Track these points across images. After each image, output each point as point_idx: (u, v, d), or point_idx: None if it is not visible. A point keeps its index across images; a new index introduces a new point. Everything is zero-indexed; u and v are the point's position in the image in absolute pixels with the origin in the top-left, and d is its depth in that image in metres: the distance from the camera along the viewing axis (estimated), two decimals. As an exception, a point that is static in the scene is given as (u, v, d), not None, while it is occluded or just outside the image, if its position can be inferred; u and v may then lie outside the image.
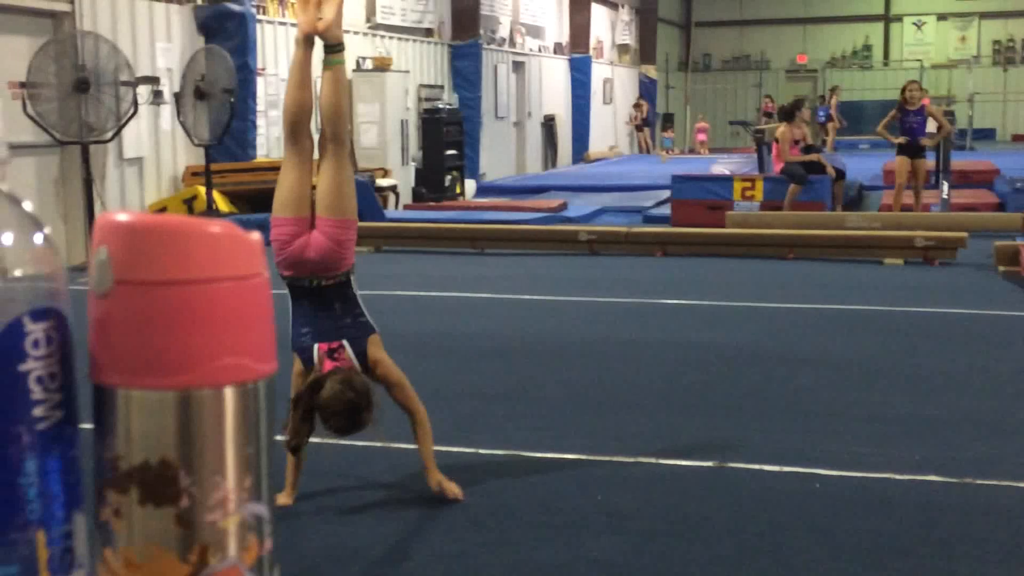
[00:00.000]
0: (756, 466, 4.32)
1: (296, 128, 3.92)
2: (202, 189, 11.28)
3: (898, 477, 4.19)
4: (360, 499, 4.00)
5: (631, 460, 4.42)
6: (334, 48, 3.95)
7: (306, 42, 3.91)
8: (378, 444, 4.56)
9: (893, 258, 9.98)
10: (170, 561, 1.00)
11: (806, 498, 3.99)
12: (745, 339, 6.70)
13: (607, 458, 4.45)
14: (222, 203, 11.72)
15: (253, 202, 12.09)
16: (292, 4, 14.19)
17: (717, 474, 4.27)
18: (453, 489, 3.95)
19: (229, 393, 1.01)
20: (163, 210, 11.52)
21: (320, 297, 3.82)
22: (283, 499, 3.87)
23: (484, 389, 5.56)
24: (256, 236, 1.03)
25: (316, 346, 3.77)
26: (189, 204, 11.43)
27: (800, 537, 3.63)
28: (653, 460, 4.41)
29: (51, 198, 10.40)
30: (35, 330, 0.97)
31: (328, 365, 3.75)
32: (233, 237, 1.01)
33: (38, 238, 1.00)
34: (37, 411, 0.98)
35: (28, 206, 1.01)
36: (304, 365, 3.81)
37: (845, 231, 10.76)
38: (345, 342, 3.79)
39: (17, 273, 0.98)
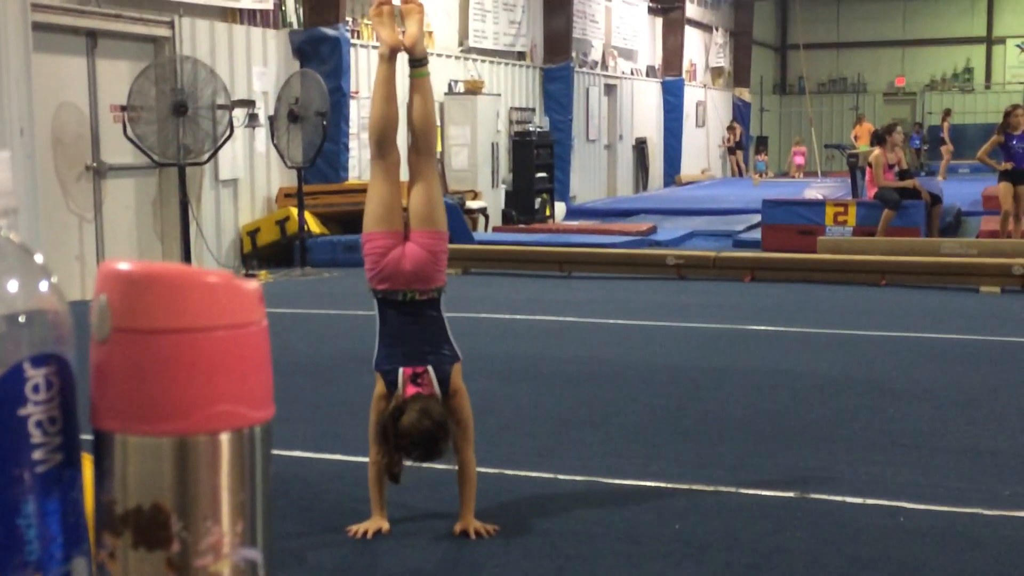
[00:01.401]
0: (839, 498, 4.25)
1: (383, 142, 3.96)
2: (295, 210, 11.47)
3: (987, 512, 4.08)
4: (435, 521, 4.01)
5: (711, 489, 4.37)
6: (419, 62, 3.99)
7: (390, 57, 3.95)
8: (456, 467, 4.58)
9: (990, 286, 9.75)
10: None
11: (890, 532, 3.91)
12: (834, 367, 6.60)
13: (688, 486, 4.41)
14: (314, 224, 11.90)
15: (344, 223, 12.26)
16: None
17: (799, 505, 4.20)
18: (487, 528, 3.86)
19: (224, 440, 1.03)
20: (256, 231, 11.73)
21: (411, 314, 3.81)
22: (377, 524, 3.86)
23: (567, 414, 5.55)
24: (254, 285, 1.05)
25: (401, 370, 3.76)
26: (282, 225, 11.63)
27: (881, 572, 3.55)
28: (734, 489, 4.36)
29: (149, 219, 10.66)
30: (35, 375, 1.01)
31: (411, 390, 3.73)
32: (229, 286, 1.03)
33: (43, 285, 1.03)
34: (36, 454, 1.02)
35: (39, 258, 1.04)
36: (387, 387, 3.80)
37: (940, 258, 10.55)
38: (430, 368, 3.77)
39: (21, 320, 1.01)
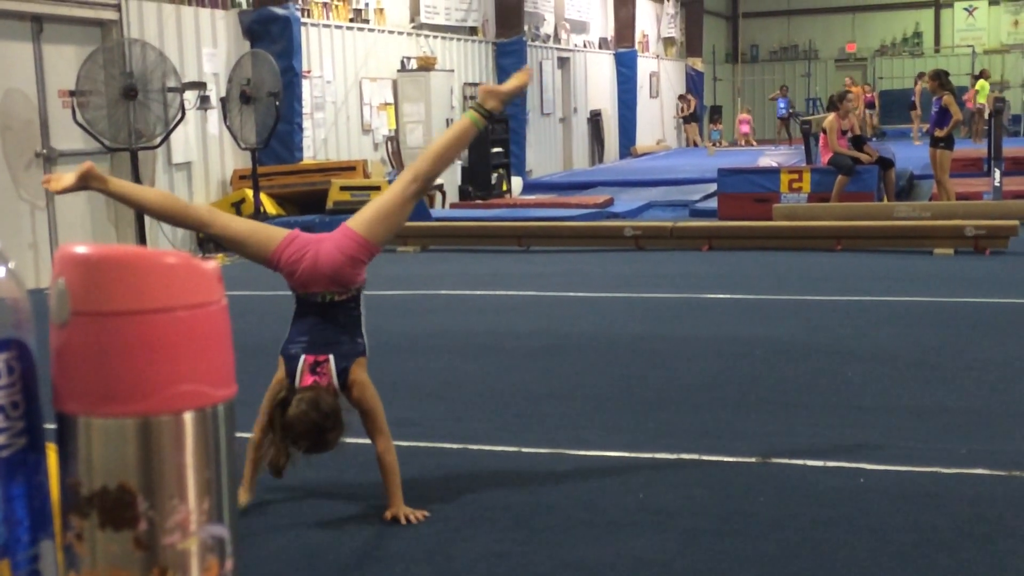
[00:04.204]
0: (801, 461, 4.30)
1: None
2: (250, 192, 11.40)
3: (945, 471, 4.15)
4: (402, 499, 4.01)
5: (674, 457, 4.41)
6: (486, 112, 3.98)
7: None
8: (421, 444, 4.60)
9: (943, 248, 9.86)
10: None
11: (851, 493, 3.96)
12: (792, 333, 6.66)
13: (651, 455, 4.44)
14: (270, 206, 11.83)
15: (301, 204, 12.20)
16: (336, 7, 14.29)
17: (761, 470, 4.25)
18: (415, 514, 3.83)
19: (188, 419, 1.03)
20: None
21: (328, 312, 3.80)
22: (241, 497, 3.86)
23: (529, 388, 5.57)
24: (213, 264, 1.05)
25: (304, 357, 3.76)
26: (238, 207, 11.54)
27: (845, 533, 3.60)
28: (697, 456, 4.40)
29: (102, 205, 10.55)
30: None
31: (308, 379, 3.73)
32: (188, 266, 1.03)
33: (0, 271, 1.03)
34: (0, 439, 1.02)
35: None
36: (287, 374, 3.78)
37: (894, 221, 10.66)
38: (331, 357, 3.76)
39: None
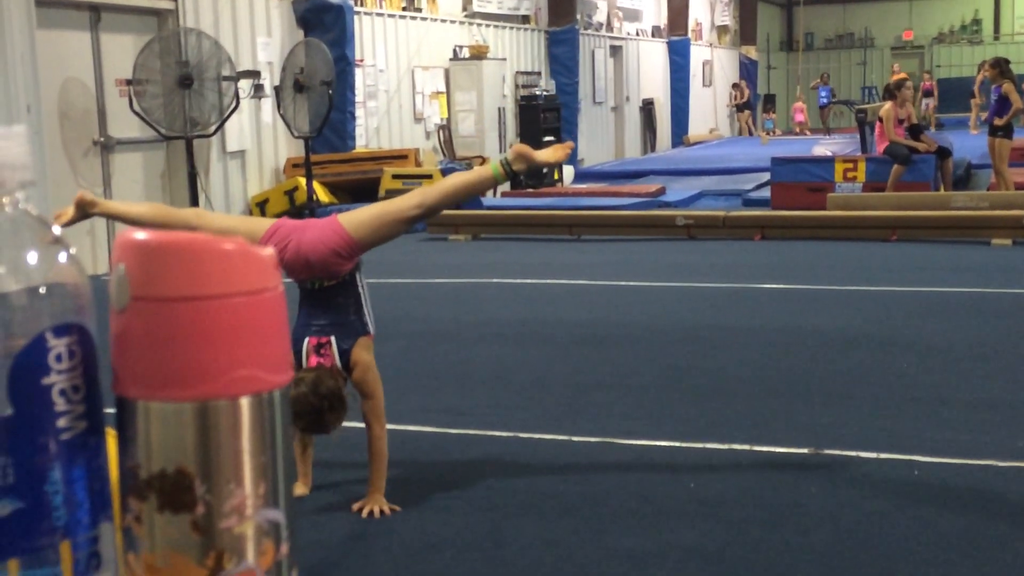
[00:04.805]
0: (853, 453, 4.27)
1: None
2: (303, 180, 11.47)
3: (1000, 464, 4.10)
4: (451, 488, 4.04)
5: (725, 447, 4.39)
6: (511, 171, 3.91)
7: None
8: (470, 432, 4.62)
9: (1001, 238, 9.72)
10: (188, 565, 1.04)
11: (904, 486, 3.93)
12: (845, 324, 6.60)
13: (701, 445, 4.43)
14: (322, 194, 11.91)
15: (353, 192, 12.27)
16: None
17: (813, 461, 4.22)
18: (383, 509, 3.81)
19: (244, 404, 1.04)
20: (266, 202, 11.74)
21: (323, 296, 3.83)
22: (298, 489, 3.94)
23: (579, 377, 5.57)
24: (269, 251, 1.06)
25: (307, 339, 3.80)
26: (290, 196, 11.64)
27: (897, 526, 3.57)
28: (748, 447, 4.38)
29: (157, 192, 10.68)
30: (58, 345, 1.03)
31: (312, 360, 3.77)
32: (245, 253, 1.04)
33: (63, 257, 1.05)
34: (61, 422, 1.04)
35: (57, 230, 1.06)
36: (294, 356, 3.81)
37: (951, 211, 10.52)
38: (333, 338, 3.79)
39: (41, 291, 1.03)
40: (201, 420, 1.01)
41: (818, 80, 28.66)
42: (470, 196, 4.10)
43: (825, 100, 27.34)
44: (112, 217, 4.04)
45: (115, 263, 1.04)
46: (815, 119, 28.65)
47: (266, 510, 1.05)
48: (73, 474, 1.03)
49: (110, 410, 1.08)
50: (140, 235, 1.02)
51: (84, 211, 3.86)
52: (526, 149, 3.93)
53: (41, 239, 1.04)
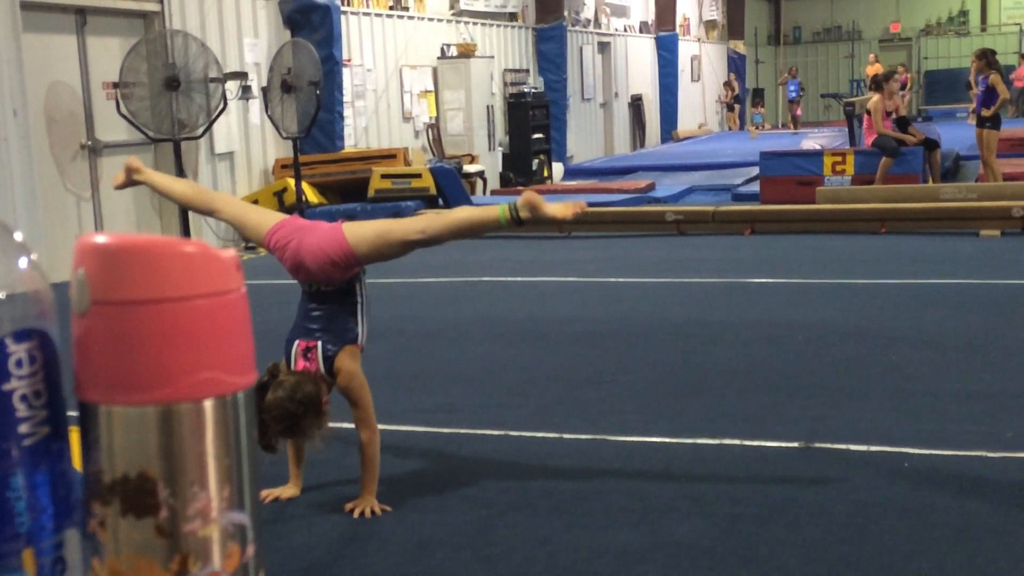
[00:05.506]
0: (844, 446, 4.27)
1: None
2: (292, 181, 11.44)
3: (990, 455, 4.11)
4: (443, 486, 4.03)
5: (716, 442, 4.39)
6: (517, 218, 3.80)
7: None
8: (462, 430, 4.62)
9: (990, 230, 9.74)
10: (153, 570, 1.03)
11: (895, 478, 3.93)
12: (835, 317, 6.61)
13: (692, 440, 4.43)
14: (311, 195, 11.88)
15: (342, 192, 12.25)
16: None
17: (804, 455, 4.22)
18: (379, 508, 3.82)
19: (208, 406, 1.04)
20: (255, 203, 11.71)
21: (320, 300, 3.83)
22: (288, 491, 3.96)
23: (571, 373, 5.57)
24: (231, 253, 1.06)
25: (297, 342, 3.80)
26: (280, 197, 11.60)
27: (888, 518, 3.58)
28: (738, 442, 4.38)
29: (146, 195, 10.64)
30: (18, 350, 1.02)
31: (300, 364, 3.77)
32: (206, 255, 1.04)
33: (23, 263, 1.04)
34: (22, 428, 1.03)
35: (19, 235, 1.05)
36: (284, 358, 3.82)
37: (939, 203, 10.53)
38: (320, 343, 3.77)
39: (1, 297, 1.02)
40: (164, 424, 1.00)
41: (786, 74, 28.60)
42: (473, 234, 4.10)
43: (794, 94, 27.26)
44: (151, 186, 4.24)
45: (75, 267, 1.03)
46: (784, 114, 28.59)
47: (231, 513, 1.04)
48: (36, 479, 1.02)
49: (74, 413, 1.07)
50: (100, 239, 1.01)
51: (131, 177, 4.17)
52: (537, 199, 3.78)
53: (2, 245, 1.03)
